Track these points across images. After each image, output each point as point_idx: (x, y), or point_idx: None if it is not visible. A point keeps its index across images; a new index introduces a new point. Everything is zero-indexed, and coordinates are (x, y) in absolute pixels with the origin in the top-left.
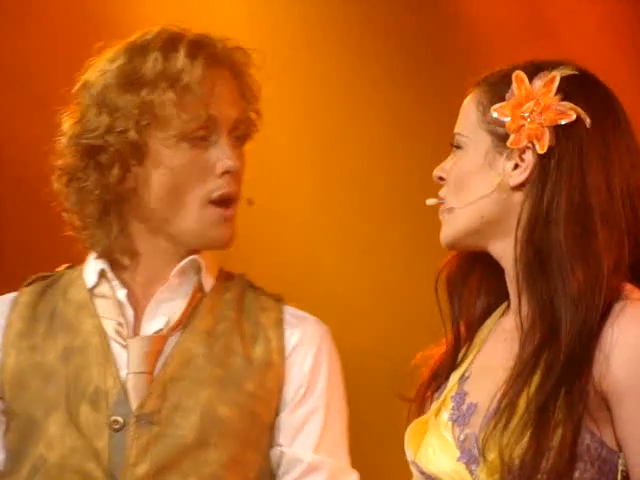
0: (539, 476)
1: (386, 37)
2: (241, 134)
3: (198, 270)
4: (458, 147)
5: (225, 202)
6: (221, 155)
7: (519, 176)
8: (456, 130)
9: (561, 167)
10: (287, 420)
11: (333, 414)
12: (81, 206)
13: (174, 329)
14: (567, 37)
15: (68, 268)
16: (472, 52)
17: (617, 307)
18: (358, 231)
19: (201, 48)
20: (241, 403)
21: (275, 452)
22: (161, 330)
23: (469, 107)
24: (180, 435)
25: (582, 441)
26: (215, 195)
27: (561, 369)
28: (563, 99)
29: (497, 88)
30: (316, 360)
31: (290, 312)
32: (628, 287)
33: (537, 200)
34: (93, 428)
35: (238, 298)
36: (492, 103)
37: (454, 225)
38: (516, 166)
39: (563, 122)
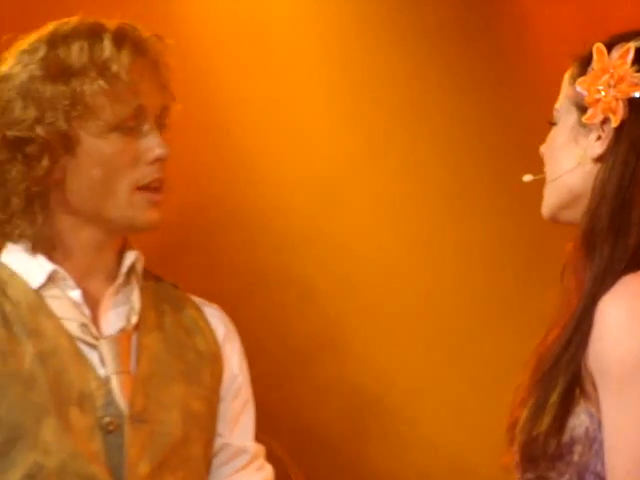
0: (534, 446)
1: (440, 36)
2: (163, 122)
3: (139, 264)
4: (554, 123)
5: (154, 189)
6: (151, 143)
7: (599, 148)
8: (555, 106)
9: (626, 141)
10: (226, 411)
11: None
12: (5, 198)
13: (137, 326)
14: (616, 27)
15: None
16: (528, 51)
17: None
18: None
19: (125, 37)
20: (205, 396)
21: (217, 442)
22: (124, 328)
23: (564, 82)
24: (168, 432)
25: (581, 423)
26: (145, 181)
27: (566, 344)
28: (638, 71)
29: (585, 61)
30: (240, 352)
31: (198, 301)
32: None
33: (604, 174)
34: (86, 431)
35: (159, 289)
36: (579, 77)
37: (547, 199)
38: (599, 137)
39: (636, 94)
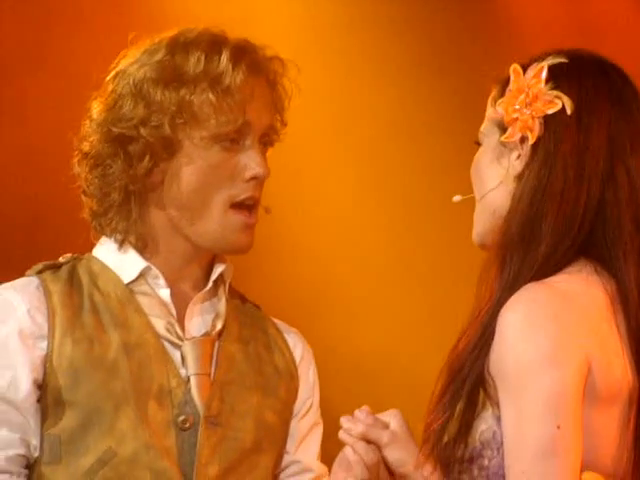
0: (445, 451)
1: (425, 38)
2: (268, 141)
3: (228, 275)
4: (479, 144)
5: (248, 207)
6: (250, 161)
7: (519, 166)
8: (480, 129)
9: (541, 156)
10: (295, 429)
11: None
12: (103, 192)
13: (220, 333)
14: (610, 36)
15: (75, 258)
16: (515, 52)
17: None
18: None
19: (244, 54)
20: (279, 410)
21: (284, 457)
22: (208, 333)
23: (488, 105)
24: (240, 438)
25: (489, 428)
26: (239, 199)
27: (472, 349)
28: (552, 88)
29: (505, 83)
30: (314, 375)
31: (278, 323)
32: (569, 269)
33: (519, 190)
34: (161, 426)
35: (243, 306)
36: (500, 98)
37: (476, 226)
38: (519, 156)
39: (550, 112)
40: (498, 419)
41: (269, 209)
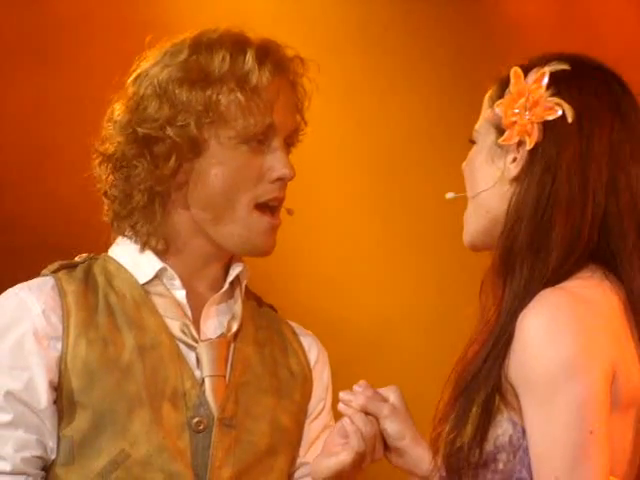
0: (457, 457)
1: (421, 36)
2: (291, 142)
3: (244, 277)
4: (473, 142)
5: (271, 208)
6: (277, 162)
7: (514, 169)
8: (475, 127)
9: (541, 163)
10: (306, 430)
11: None
12: (127, 194)
13: (235, 335)
14: (602, 27)
15: (91, 258)
16: (506, 47)
17: None
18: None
19: (268, 53)
20: (294, 412)
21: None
22: (223, 335)
23: (484, 104)
24: (254, 441)
25: (504, 432)
26: (264, 199)
27: (485, 358)
28: (553, 95)
29: (503, 84)
30: (328, 378)
31: (292, 324)
32: (580, 274)
33: (518, 195)
34: (175, 427)
35: (258, 307)
36: (498, 99)
37: (467, 226)
38: (515, 159)
39: (549, 118)
40: (514, 423)
41: (292, 210)
